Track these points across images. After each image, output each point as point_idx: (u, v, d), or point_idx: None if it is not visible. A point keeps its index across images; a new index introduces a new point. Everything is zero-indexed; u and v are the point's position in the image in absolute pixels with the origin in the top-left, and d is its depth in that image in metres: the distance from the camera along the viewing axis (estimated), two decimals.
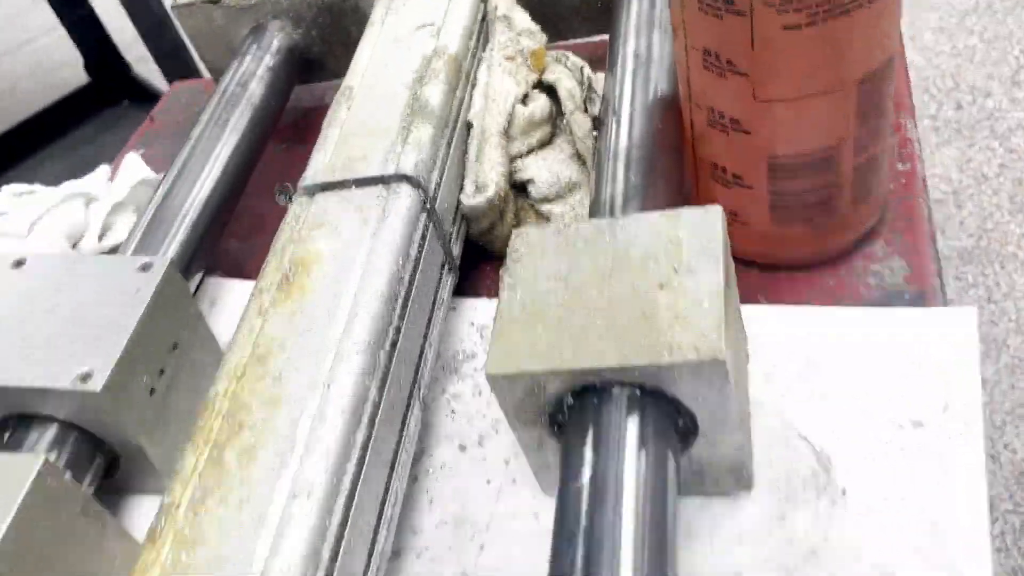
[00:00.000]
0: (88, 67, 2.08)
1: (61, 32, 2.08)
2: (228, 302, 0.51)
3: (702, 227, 0.34)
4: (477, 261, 0.49)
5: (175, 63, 1.71)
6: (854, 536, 0.34)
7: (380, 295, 0.37)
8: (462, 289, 0.47)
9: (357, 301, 0.37)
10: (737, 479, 0.35)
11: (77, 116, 2.07)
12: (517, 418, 0.34)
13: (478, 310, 0.47)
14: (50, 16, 2.01)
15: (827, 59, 0.36)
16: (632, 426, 0.31)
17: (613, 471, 0.30)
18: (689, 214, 0.34)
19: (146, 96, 2.00)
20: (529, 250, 0.35)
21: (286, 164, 0.61)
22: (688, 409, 0.32)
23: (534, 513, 0.38)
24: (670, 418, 0.32)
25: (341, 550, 0.31)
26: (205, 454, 0.33)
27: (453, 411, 0.43)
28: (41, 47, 2.65)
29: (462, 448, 0.41)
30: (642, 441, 0.31)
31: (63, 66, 2.49)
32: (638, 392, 0.32)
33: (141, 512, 0.42)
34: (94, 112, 2.11)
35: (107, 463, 0.40)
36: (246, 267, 0.54)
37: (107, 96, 2.08)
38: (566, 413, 0.33)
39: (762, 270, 0.44)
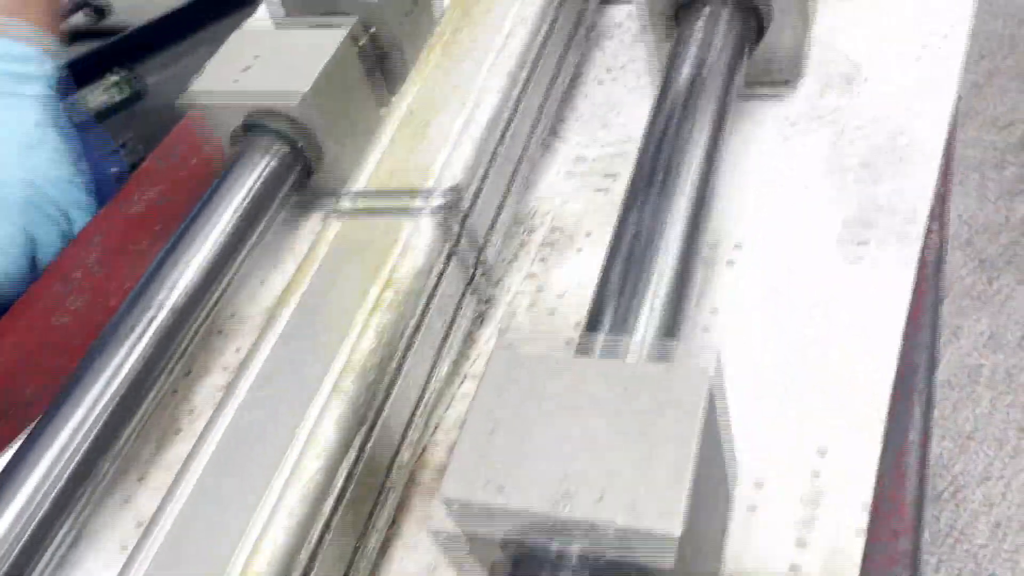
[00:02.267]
0: None
1: None
2: None
3: None
4: None
5: None
6: (866, 103, 0.52)
7: None
8: None
9: None
10: (793, 68, 0.53)
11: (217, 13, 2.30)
12: (652, 7, 0.53)
13: (621, 9, 0.66)
14: None
15: None
16: (728, 7, 0.50)
17: (703, 54, 0.49)
18: None
19: None
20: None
21: None
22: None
23: None
24: (752, 7, 0.51)
25: (534, 77, 0.51)
26: (455, 15, 0.54)
27: (603, 54, 0.62)
28: None
29: (608, 71, 0.61)
30: (731, 20, 0.49)
31: None
32: None
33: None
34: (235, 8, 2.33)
35: (379, 56, 0.61)
36: None
37: None
38: (681, 6, 0.52)
39: None
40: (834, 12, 0.56)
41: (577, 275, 0.49)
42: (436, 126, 0.47)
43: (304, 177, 0.55)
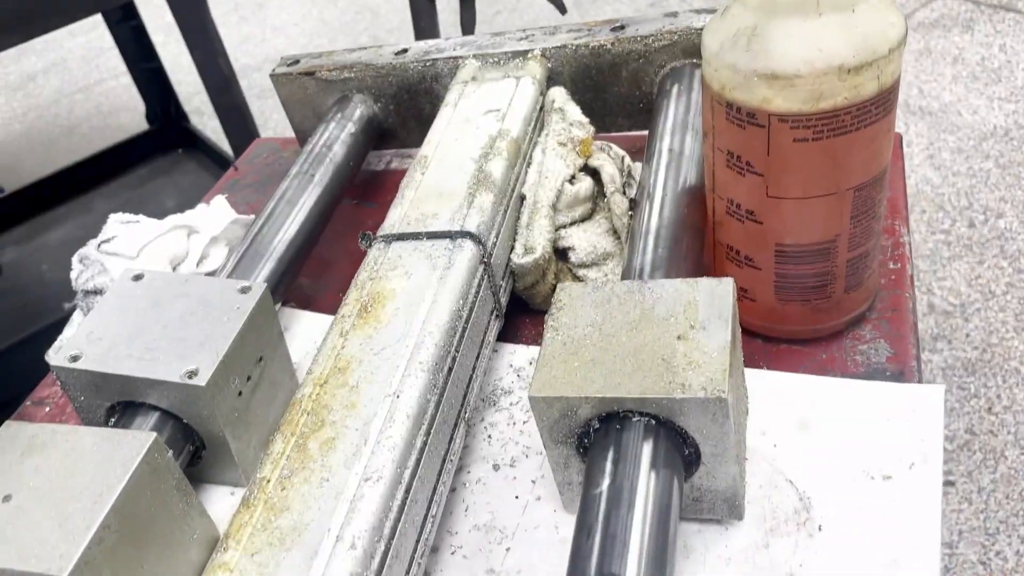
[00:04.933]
0: (149, 115, 2.21)
1: (127, 80, 2.22)
2: (298, 331, 0.59)
3: (716, 294, 0.41)
4: (519, 314, 0.56)
5: (235, 120, 1.83)
6: (826, 564, 0.40)
7: (443, 327, 0.44)
8: (504, 336, 0.55)
9: (423, 330, 0.44)
10: (730, 508, 0.41)
11: (133, 159, 2.19)
12: (551, 437, 0.41)
13: (516, 354, 0.54)
14: (119, 63, 2.16)
15: (828, 168, 0.43)
16: (647, 449, 0.38)
17: (628, 484, 0.37)
18: (706, 283, 0.42)
19: (198, 147, 2.12)
20: (570, 301, 0.43)
21: (354, 218, 0.69)
22: (694, 440, 0.39)
23: (555, 525, 0.44)
24: (678, 447, 0.39)
25: (398, 530, 0.38)
26: (292, 442, 0.40)
27: (490, 437, 0.50)
28: (108, 89, 2.81)
29: (496, 467, 0.48)
30: (654, 462, 0.38)
31: (124, 111, 2.64)
32: (654, 422, 0.38)
33: (214, 499, 0.49)
34: (149, 157, 2.23)
35: (193, 451, 0.47)
36: (315, 302, 0.61)
37: (164, 144, 2.20)
38: (591, 436, 0.40)
39: (765, 341, 0.51)
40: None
41: None
42: None
43: None
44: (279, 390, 0.50)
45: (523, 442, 0.49)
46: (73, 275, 0.62)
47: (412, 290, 0.47)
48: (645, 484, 0.37)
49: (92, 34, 3.05)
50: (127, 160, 2.19)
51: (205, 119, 2.36)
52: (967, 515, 1.45)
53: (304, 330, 0.59)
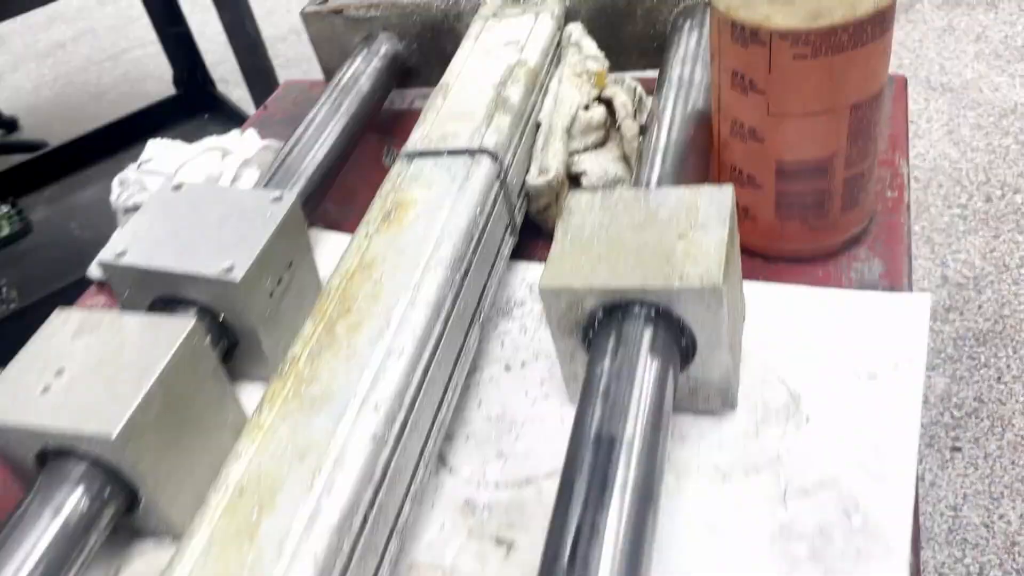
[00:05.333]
0: (176, 80, 2.25)
1: (155, 48, 2.26)
2: (324, 250, 0.62)
3: (716, 198, 0.44)
4: (533, 236, 0.59)
5: (262, 83, 1.87)
6: (811, 451, 0.43)
7: (460, 230, 0.48)
8: (517, 255, 0.58)
9: (443, 233, 0.47)
10: (723, 399, 0.44)
11: (161, 123, 2.23)
12: (559, 328, 0.44)
13: (529, 271, 0.57)
14: (147, 32, 2.19)
15: (826, 86, 0.46)
16: (647, 335, 0.41)
17: (628, 364, 0.40)
18: (707, 188, 0.45)
19: (224, 112, 2.16)
20: (580, 206, 0.46)
21: (377, 153, 0.72)
22: (690, 330, 0.42)
23: (561, 418, 0.48)
24: (675, 337, 0.42)
25: (417, 402, 0.41)
26: (320, 326, 0.44)
27: (503, 342, 0.53)
28: (136, 58, 2.86)
29: (507, 368, 0.51)
30: (652, 346, 0.41)
31: (151, 79, 2.68)
32: (653, 312, 0.42)
33: (245, 394, 0.52)
34: (176, 122, 2.27)
35: (227, 349, 0.51)
36: (340, 226, 0.64)
37: (190, 109, 2.24)
38: (595, 328, 0.43)
39: (765, 260, 0.54)
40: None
41: None
42: (271, 523, 0.35)
43: (123, 516, 0.43)
44: (306, 298, 0.54)
45: (534, 347, 0.52)
46: (113, 197, 0.65)
47: (432, 199, 0.50)
48: (644, 365, 0.40)
49: (121, 3, 3.10)
50: (155, 124, 2.23)
51: (231, 87, 2.39)
52: (972, 480, 1.47)
53: (330, 249, 0.62)
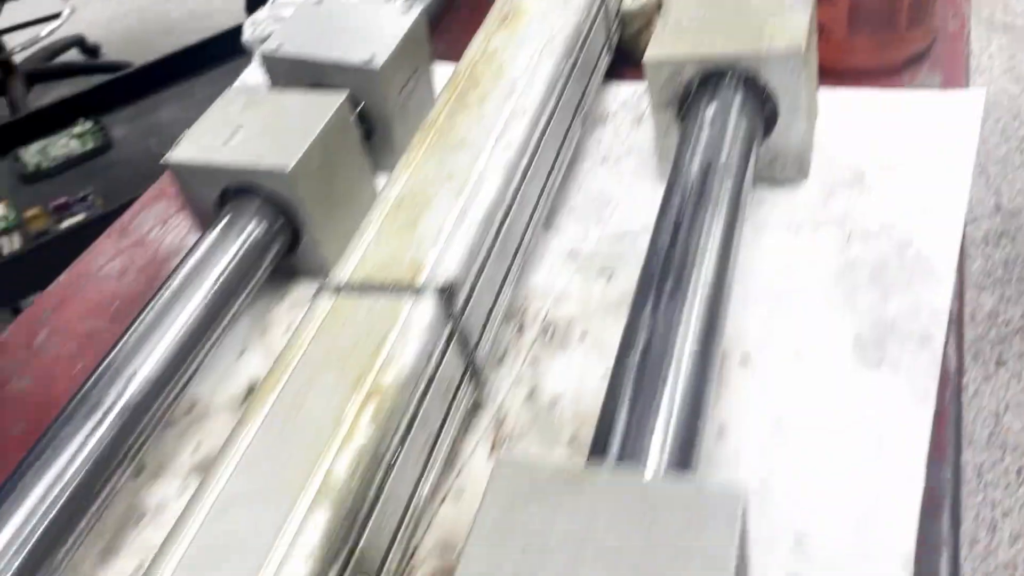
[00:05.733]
0: (248, 6, 2.33)
1: None
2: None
3: None
4: (622, 64, 0.66)
5: None
6: (873, 209, 0.50)
7: (567, 35, 0.55)
8: (609, 76, 0.65)
9: (553, 32, 0.55)
10: (799, 167, 0.51)
11: (231, 50, 2.32)
12: (659, 99, 0.51)
13: (620, 90, 0.64)
14: None
15: None
16: (736, 101, 0.48)
17: (718, 132, 0.47)
18: None
19: None
20: None
21: None
22: (774, 99, 0.49)
23: (653, 197, 0.55)
24: (760, 107, 0.49)
25: (537, 154, 0.49)
26: (454, 96, 0.51)
27: (600, 142, 0.60)
28: None
29: (604, 161, 0.58)
30: (741, 113, 0.48)
31: (219, 12, 2.77)
32: (742, 81, 0.48)
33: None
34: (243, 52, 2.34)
35: (366, 131, 0.58)
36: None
37: None
38: (691, 97, 0.50)
39: (835, 76, 0.60)
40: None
41: (571, 379, 0.45)
42: (429, 218, 0.43)
43: (288, 251, 0.52)
44: (426, 109, 0.61)
45: (627, 144, 0.59)
46: (245, 36, 0.73)
47: (544, 10, 0.57)
48: (733, 127, 0.47)
49: None
50: (225, 50, 2.32)
51: None
52: (1015, 391, 1.51)
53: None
